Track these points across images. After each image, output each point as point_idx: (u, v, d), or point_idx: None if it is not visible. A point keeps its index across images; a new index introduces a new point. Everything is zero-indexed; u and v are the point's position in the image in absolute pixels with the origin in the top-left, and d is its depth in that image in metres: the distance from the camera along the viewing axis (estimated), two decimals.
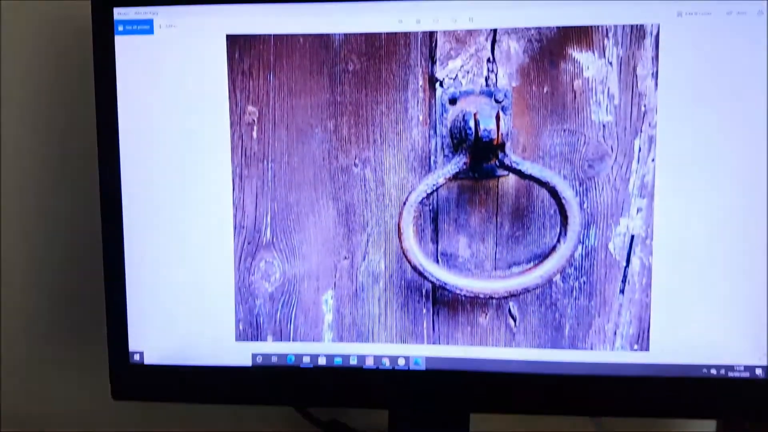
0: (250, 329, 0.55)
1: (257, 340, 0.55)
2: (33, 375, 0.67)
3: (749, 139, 0.48)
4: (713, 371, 0.51)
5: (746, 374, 0.51)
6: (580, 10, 0.49)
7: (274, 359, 0.55)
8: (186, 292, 0.55)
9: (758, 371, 0.51)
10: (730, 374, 0.51)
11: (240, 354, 0.55)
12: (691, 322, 0.51)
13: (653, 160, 0.49)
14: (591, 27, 0.49)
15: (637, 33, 0.48)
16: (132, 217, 0.54)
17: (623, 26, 0.48)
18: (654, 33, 0.48)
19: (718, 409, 0.52)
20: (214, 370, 0.56)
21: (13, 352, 0.66)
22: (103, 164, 0.54)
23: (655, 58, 0.48)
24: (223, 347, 0.55)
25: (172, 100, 0.53)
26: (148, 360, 0.56)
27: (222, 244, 0.54)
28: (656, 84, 0.49)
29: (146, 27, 0.52)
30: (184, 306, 0.55)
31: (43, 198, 0.64)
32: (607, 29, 0.49)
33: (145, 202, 0.54)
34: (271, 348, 0.55)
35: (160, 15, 0.52)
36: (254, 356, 0.55)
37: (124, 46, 0.52)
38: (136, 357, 0.56)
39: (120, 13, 0.52)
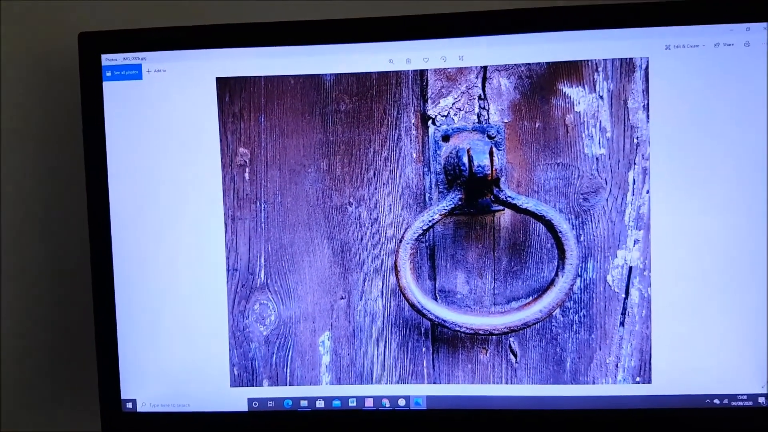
0: (245, 374, 0.54)
1: (253, 385, 0.54)
2: (22, 425, 0.65)
3: (742, 168, 0.49)
4: (716, 401, 0.51)
5: (749, 403, 0.50)
6: (569, 45, 0.49)
7: (271, 404, 0.54)
8: (179, 337, 0.53)
9: (761, 399, 0.50)
10: (733, 404, 0.51)
11: (235, 400, 0.54)
12: (693, 352, 0.50)
13: (648, 191, 0.49)
14: (580, 62, 0.49)
15: (626, 66, 0.49)
16: (122, 262, 0.53)
17: (612, 60, 0.49)
18: (643, 66, 0.49)
19: None
20: (209, 416, 0.54)
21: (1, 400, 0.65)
22: (93, 210, 0.53)
23: (646, 90, 0.49)
24: (217, 393, 0.54)
25: (162, 144, 0.52)
26: (141, 408, 0.54)
27: (215, 287, 0.53)
28: (648, 116, 0.49)
29: (135, 72, 0.51)
30: (176, 352, 0.54)
31: (31, 245, 0.63)
32: (596, 63, 0.49)
33: (136, 247, 0.53)
34: (268, 393, 0.54)
35: (148, 60, 0.51)
36: (250, 401, 0.54)
37: (112, 91, 0.52)
38: (129, 405, 0.54)
39: (108, 59, 0.52)
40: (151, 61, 0.51)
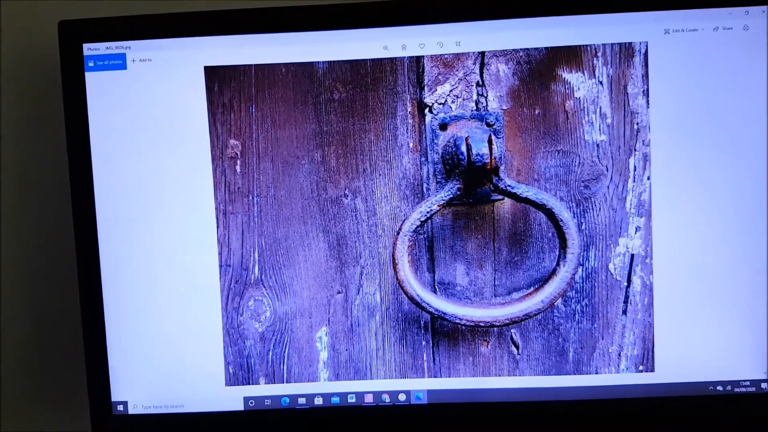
0: (240, 372, 0.52)
1: (249, 383, 0.52)
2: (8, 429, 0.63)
3: (743, 153, 0.48)
4: (719, 388, 0.50)
5: (752, 389, 0.50)
6: (568, 30, 0.48)
7: (268, 402, 0.53)
8: (171, 336, 0.52)
9: (764, 385, 0.50)
10: (736, 390, 0.50)
11: (231, 399, 0.52)
12: (695, 339, 0.50)
13: (649, 178, 0.49)
14: (579, 47, 0.48)
15: (625, 51, 0.48)
16: (110, 259, 0.51)
17: (612, 45, 0.48)
18: (642, 51, 0.48)
19: (726, 425, 0.51)
20: (204, 416, 0.53)
21: None
22: (77, 206, 0.51)
23: (645, 75, 0.48)
24: (212, 393, 0.52)
25: (149, 137, 0.50)
26: (133, 410, 0.53)
27: (207, 284, 0.51)
28: (648, 102, 0.48)
29: (119, 62, 0.49)
30: (169, 351, 0.52)
31: (17, 243, 0.61)
32: (595, 48, 0.48)
33: (124, 244, 0.51)
34: (264, 391, 0.52)
35: (133, 49, 0.49)
36: (246, 400, 0.52)
37: (95, 82, 0.50)
38: (120, 407, 0.53)
39: (90, 49, 0.49)
40: (136, 50, 0.49)
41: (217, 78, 0.49)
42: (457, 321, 0.49)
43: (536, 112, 0.49)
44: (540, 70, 0.48)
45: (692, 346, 0.50)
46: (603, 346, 0.51)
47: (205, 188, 0.50)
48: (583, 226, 0.50)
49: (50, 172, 0.60)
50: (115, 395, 0.53)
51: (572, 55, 0.48)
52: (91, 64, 0.50)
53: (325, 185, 0.50)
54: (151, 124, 0.50)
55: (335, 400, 0.52)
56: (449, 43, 0.48)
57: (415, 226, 0.48)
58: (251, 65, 0.49)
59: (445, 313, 0.49)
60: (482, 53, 0.49)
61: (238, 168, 0.50)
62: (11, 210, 0.61)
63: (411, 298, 0.49)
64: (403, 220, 0.49)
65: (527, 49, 0.48)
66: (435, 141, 0.50)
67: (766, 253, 0.49)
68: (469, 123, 0.49)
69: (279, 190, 0.50)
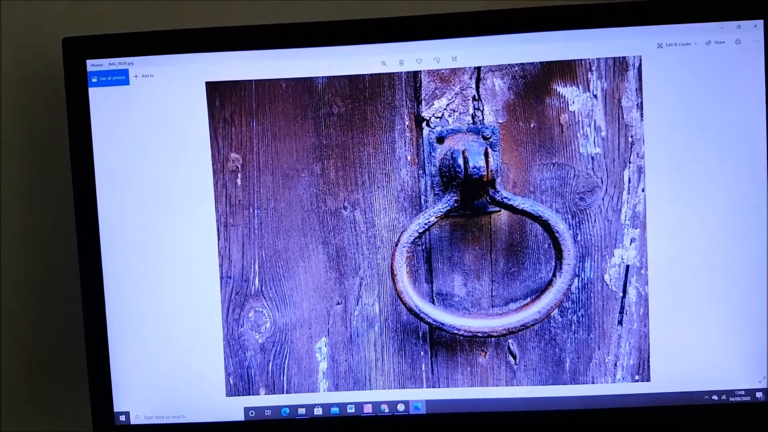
0: (241, 383, 0.53)
1: (249, 394, 0.53)
2: None
3: (736, 165, 0.49)
4: (714, 397, 0.51)
5: (747, 398, 0.51)
6: (562, 44, 0.49)
7: (268, 413, 0.53)
8: (172, 347, 0.52)
9: (759, 394, 0.51)
10: (732, 399, 0.51)
11: (231, 409, 0.53)
12: (691, 349, 0.50)
13: (643, 190, 0.49)
14: (574, 61, 0.49)
15: (619, 65, 0.49)
16: (112, 271, 0.52)
17: (606, 59, 0.49)
18: (636, 65, 0.49)
19: None
20: (205, 427, 0.53)
21: None
22: (81, 219, 0.52)
23: (639, 89, 0.49)
24: (213, 403, 0.53)
25: (151, 151, 0.51)
26: (135, 420, 0.53)
27: (208, 295, 0.52)
28: (642, 115, 0.49)
29: (121, 77, 0.50)
30: (170, 362, 0.52)
31: (19, 252, 0.61)
32: (590, 63, 0.49)
33: (126, 257, 0.52)
34: (264, 401, 0.53)
35: (135, 65, 0.50)
36: (246, 411, 0.53)
37: (98, 98, 0.50)
38: (122, 418, 0.53)
39: (93, 65, 0.50)
40: (139, 65, 0.50)
41: (218, 93, 0.50)
42: (455, 331, 0.49)
43: (532, 125, 0.50)
44: (535, 84, 0.49)
45: (687, 355, 0.50)
46: (599, 356, 0.51)
47: (206, 201, 0.51)
48: (579, 238, 0.50)
49: (54, 185, 0.61)
50: (118, 406, 0.53)
51: (567, 70, 0.49)
52: (94, 80, 0.51)
53: (324, 198, 0.51)
54: (153, 138, 0.51)
55: (335, 410, 0.53)
56: (446, 59, 0.49)
57: (413, 238, 0.49)
58: (252, 80, 0.50)
59: (443, 324, 0.49)
60: (478, 68, 0.49)
61: (238, 181, 0.51)
62: (15, 222, 0.62)
63: (409, 309, 0.50)
64: (402, 232, 0.49)
65: (522, 63, 0.49)
66: (432, 154, 0.50)
67: (761, 263, 0.49)
68: (466, 136, 0.50)
69: (279, 202, 0.51)
